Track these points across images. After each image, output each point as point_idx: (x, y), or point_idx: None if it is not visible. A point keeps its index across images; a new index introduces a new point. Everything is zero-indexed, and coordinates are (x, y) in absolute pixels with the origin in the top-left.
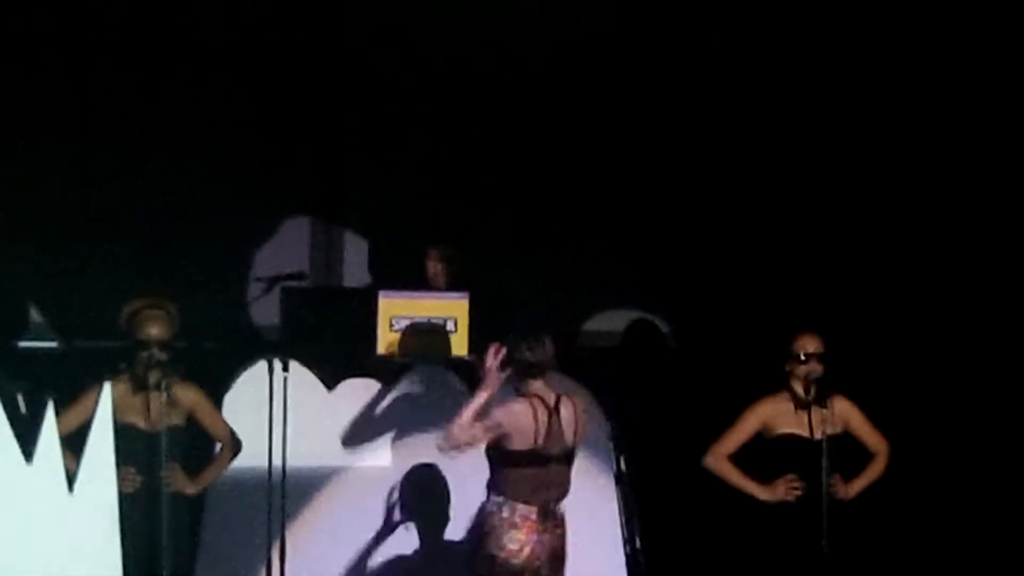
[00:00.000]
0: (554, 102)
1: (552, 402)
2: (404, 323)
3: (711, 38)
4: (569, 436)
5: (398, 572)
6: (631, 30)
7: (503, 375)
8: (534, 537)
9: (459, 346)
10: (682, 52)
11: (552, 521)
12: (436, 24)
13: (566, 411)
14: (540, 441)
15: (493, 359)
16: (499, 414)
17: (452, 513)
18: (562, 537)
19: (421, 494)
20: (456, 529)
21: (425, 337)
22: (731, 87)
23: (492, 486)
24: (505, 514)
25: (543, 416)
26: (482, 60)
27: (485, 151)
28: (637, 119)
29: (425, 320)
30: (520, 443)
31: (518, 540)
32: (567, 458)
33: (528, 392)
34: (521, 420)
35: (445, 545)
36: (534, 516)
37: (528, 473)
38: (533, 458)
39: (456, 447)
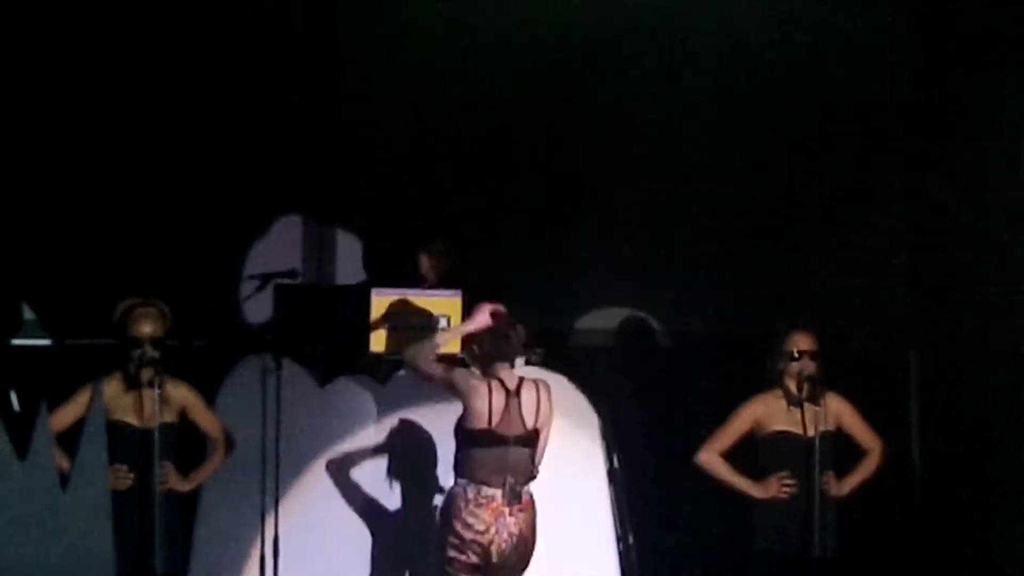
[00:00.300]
0: (551, 100)
1: (513, 386)
2: (397, 321)
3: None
4: (530, 419)
5: (390, 564)
6: (618, 27)
7: (491, 323)
8: (499, 519)
9: (451, 344)
10: (679, 51)
11: (517, 504)
12: (428, 23)
13: (528, 394)
14: (495, 421)
15: (490, 304)
16: (457, 373)
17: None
18: (529, 520)
19: (411, 475)
20: None
21: (417, 335)
22: (727, 85)
23: (457, 467)
24: (470, 495)
25: (499, 398)
26: (476, 59)
27: (479, 148)
28: (629, 115)
29: (417, 318)
30: (474, 422)
31: (484, 521)
32: (528, 441)
33: (490, 374)
34: (474, 395)
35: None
36: (498, 498)
37: (487, 454)
38: (491, 439)
39: (413, 368)
